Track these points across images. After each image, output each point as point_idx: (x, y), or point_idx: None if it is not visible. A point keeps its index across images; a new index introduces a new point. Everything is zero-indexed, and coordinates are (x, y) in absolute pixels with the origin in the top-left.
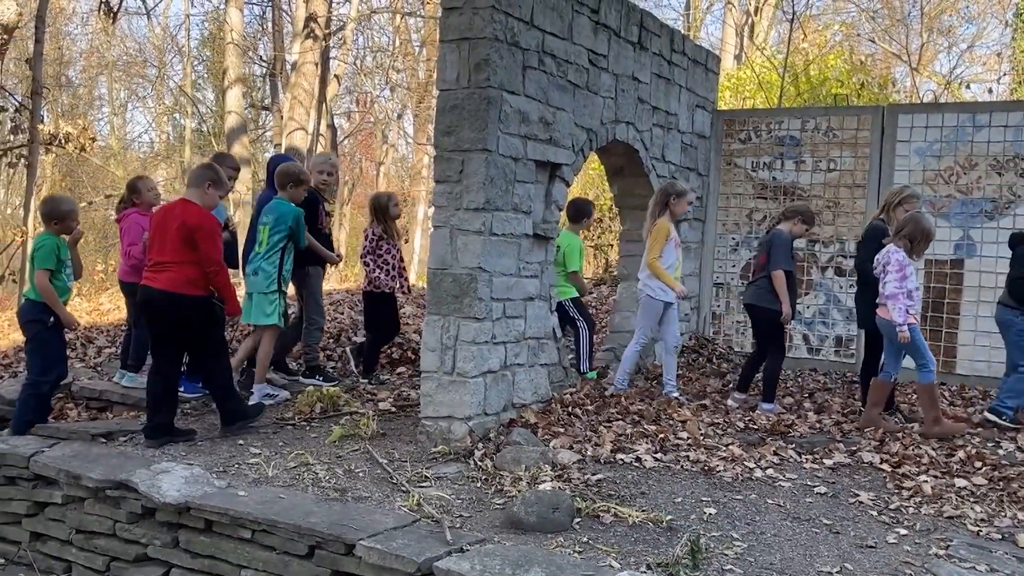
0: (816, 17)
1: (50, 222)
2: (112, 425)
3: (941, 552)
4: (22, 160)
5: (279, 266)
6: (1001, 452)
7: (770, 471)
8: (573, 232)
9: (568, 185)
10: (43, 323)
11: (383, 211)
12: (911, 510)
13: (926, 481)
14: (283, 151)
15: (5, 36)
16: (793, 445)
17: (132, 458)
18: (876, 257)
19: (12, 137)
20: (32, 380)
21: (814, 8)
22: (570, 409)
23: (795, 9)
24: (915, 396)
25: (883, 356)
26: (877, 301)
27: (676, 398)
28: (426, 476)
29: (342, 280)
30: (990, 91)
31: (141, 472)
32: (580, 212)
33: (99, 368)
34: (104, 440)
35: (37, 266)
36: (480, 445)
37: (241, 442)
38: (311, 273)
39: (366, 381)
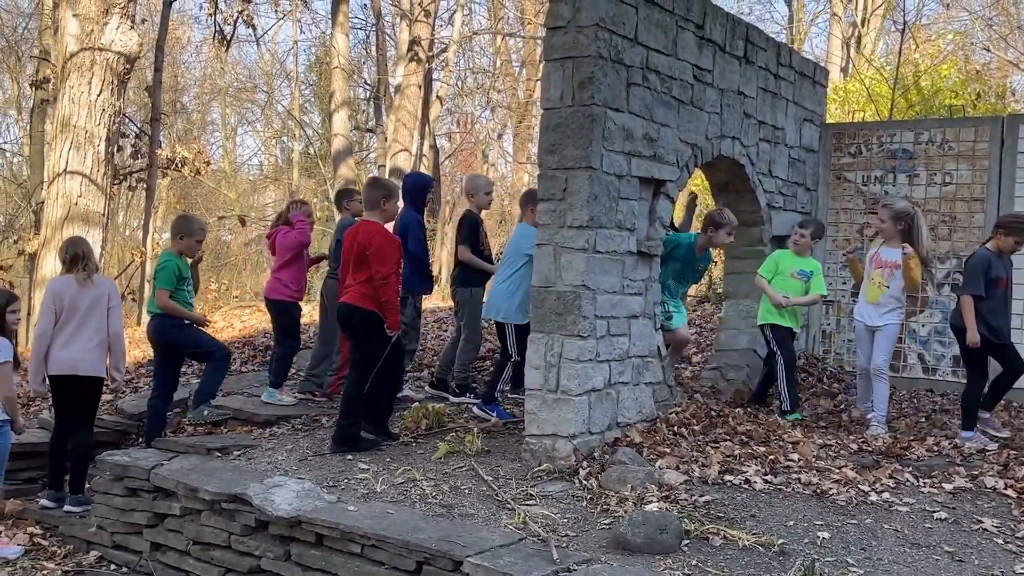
0: (927, 27)
1: (177, 237)
2: (227, 440)
3: None
4: (141, 183)
5: None
6: None
7: (886, 495)
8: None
9: (673, 202)
10: (179, 326)
11: None
12: None
13: None
14: (387, 173)
15: (128, 66)
16: (910, 468)
17: (246, 472)
18: None
19: (132, 161)
20: (159, 394)
21: (924, 17)
22: (676, 429)
23: (905, 19)
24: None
25: None
26: None
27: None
28: (531, 494)
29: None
30: None
31: (255, 486)
32: (820, 229)
33: None
34: (219, 454)
35: (158, 286)
36: (584, 464)
37: (350, 457)
38: (473, 293)
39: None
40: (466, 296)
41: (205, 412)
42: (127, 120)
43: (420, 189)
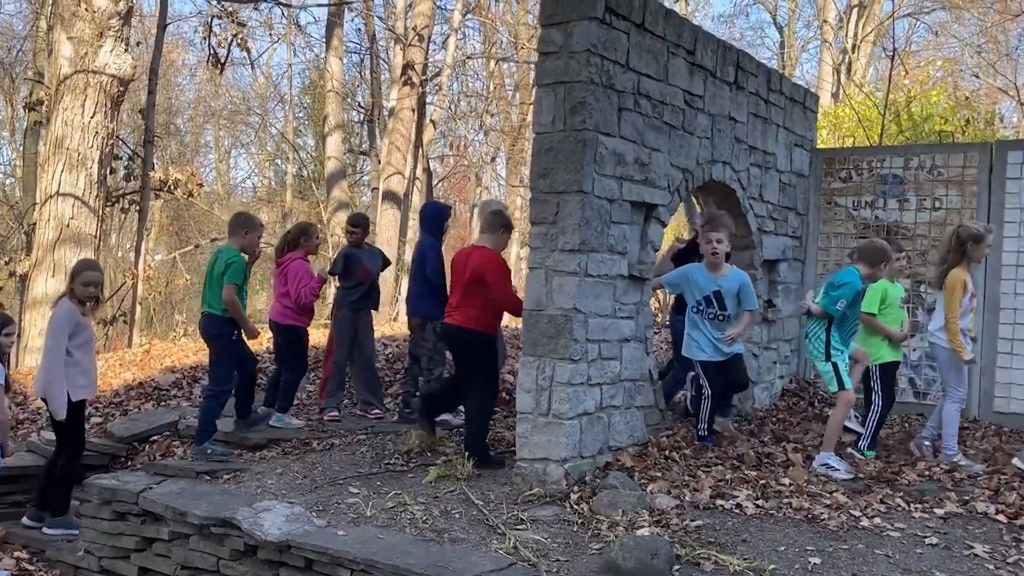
0: (916, 53)
1: (241, 232)
2: (216, 463)
3: None
4: (134, 205)
5: None
6: None
7: (877, 520)
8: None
9: (664, 225)
10: (229, 336)
11: None
12: None
13: None
14: (380, 195)
15: (121, 88)
16: (901, 493)
17: (235, 496)
18: None
19: (125, 184)
20: (216, 391)
21: (914, 44)
22: (667, 453)
23: (895, 46)
24: None
25: None
26: None
27: (955, 462)
28: (522, 519)
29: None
30: None
31: (244, 510)
32: (881, 255)
33: None
34: (208, 478)
35: (227, 280)
36: (576, 488)
37: (340, 481)
38: None
39: None
40: None
41: (208, 451)
42: (120, 142)
43: (438, 217)
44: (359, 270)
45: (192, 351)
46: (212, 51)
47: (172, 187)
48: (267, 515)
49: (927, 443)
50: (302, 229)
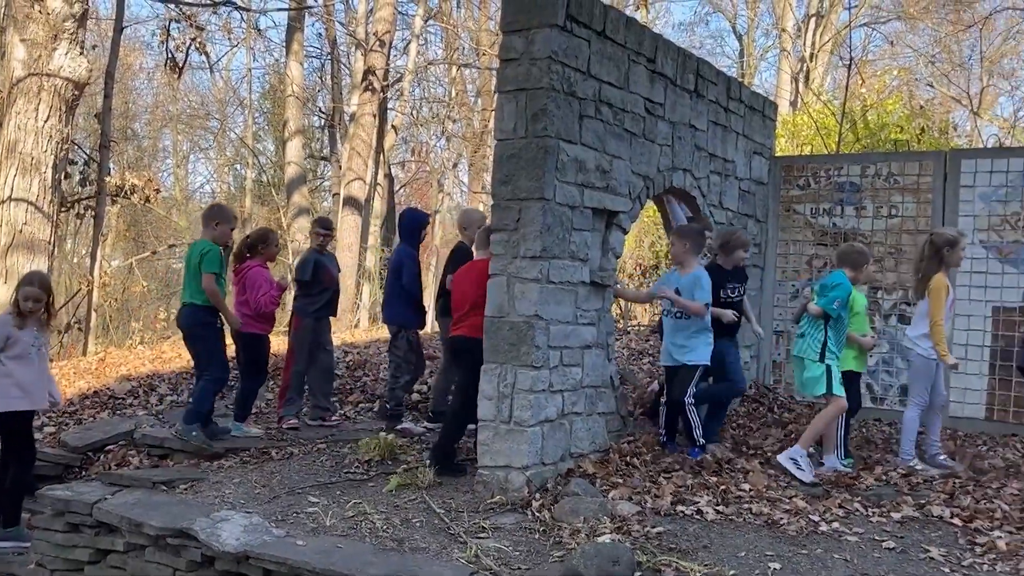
0: (872, 62)
1: (212, 224)
2: (173, 473)
3: None
4: (89, 211)
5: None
6: None
7: (836, 525)
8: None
9: (625, 232)
10: (212, 325)
11: None
12: (985, 567)
13: (1000, 537)
14: (341, 201)
15: (77, 92)
16: (859, 498)
17: (192, 506)
18: None
19: (80, 189)
20: (216, 376)
21: (870, 54)
22: (628, 459)
23: (852, 55)
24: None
25: None
26: None
27: (912, 467)
28: (483, 527)
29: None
30: None
31: (201, 521)
32: (863, 257)
33: (161, 416)
34: (165, 488)
35: (205, 270)
36: (538, 495)
37: (300, 490)
38: None
39: None
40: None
41: (193, 433)
42: (76, 146)
43: (416, 225)
44: (326, 276)
45: (148, 359)
46: (170, 55)
47: (129, 192)
48: (225, 525)
49: (942, 457)
50: (262, 235)
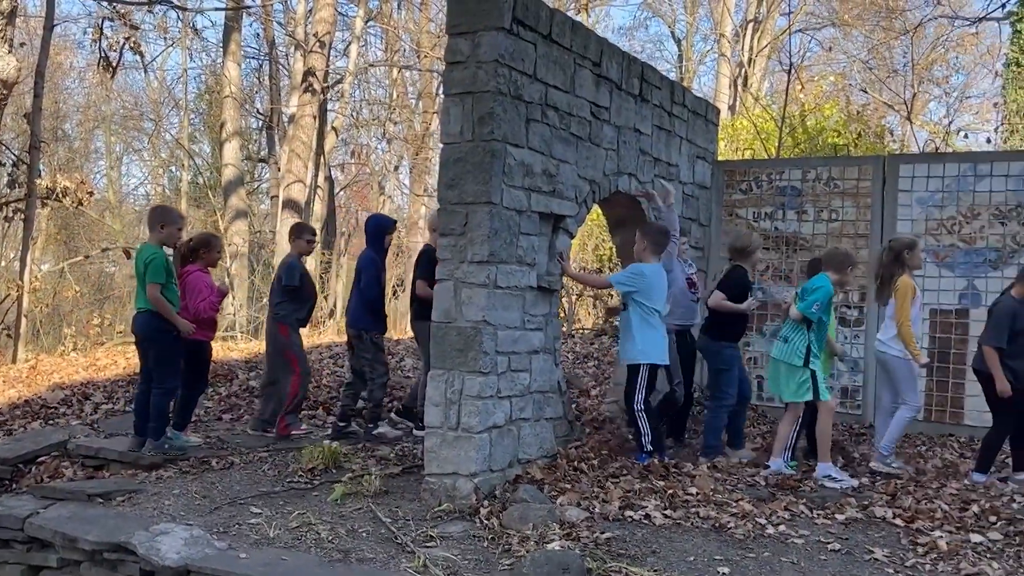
0: (809, 67)
1: (158, 227)
2: (109, 485)
3: None
4: (19, 214)
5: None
6: (1015, 506)
7: (782, 527)
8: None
9: (572, 237)
10: (168, 332)
11: None
12: (927, 567)
13: (941, 537)
14: (280, 204)
15: (4, 91)
16: (804, 500)
17: (130, 519)
18: None
19: (9, 191)
20: (165, 388)
21: (807, 59)
22: (576, 464)
23: (792, 60)
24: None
25: None
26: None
27: (888, 463)
28: (431, 535)
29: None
30: (988, 140)
31: (140, 534)
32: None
33: (96, 425)
34: (101, 500)
35: (149, 280)
36: (486, 502)
37: (242, 501)
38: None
39: None
40: (424, 330)
41: (166, 446)
42: (4, 148)
43: (380, 231)
44: (309, 284)
45: (82, 366)
46: (103, 54)
47: (60, 195)
48: (164, 539)
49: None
50: (205, 240)
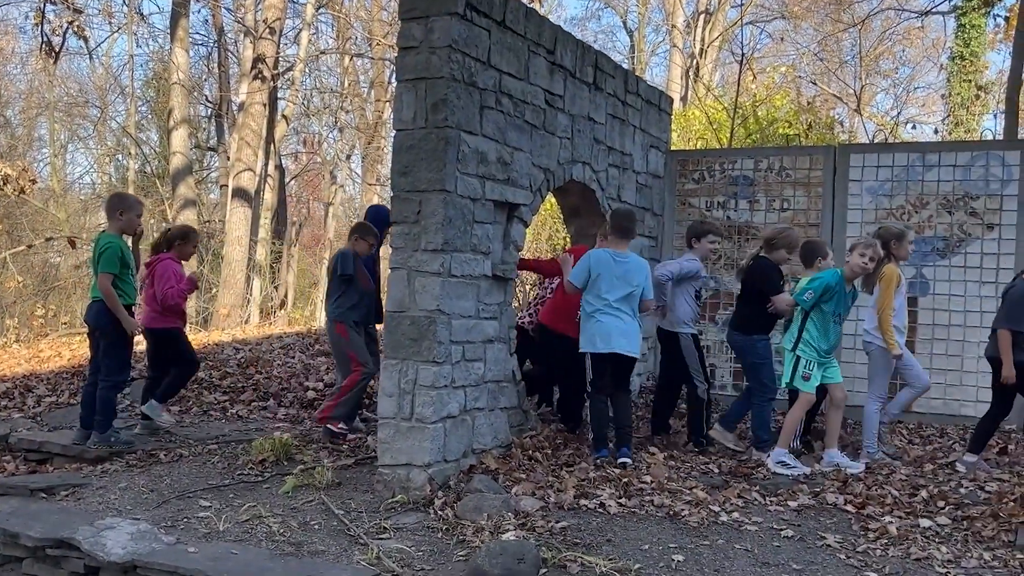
0: (760, 59)
1: (116, 214)
2: (53, 479)
3: None
4: None
5: None
6: (963, 491)
7: (736, 515)
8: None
9: (526, 225)
10: (119, 323)
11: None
12: (878, 552)
13: (891, 522)
14: (230, 192)
15: None
16: (757, 487)
17: (74, 514)
18: None
19: None
20: (113, 381)
21: (757, 51)
22: (531, 453)
23: (744, 51)
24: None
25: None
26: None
27: (878, 460)
28: (385, 527)
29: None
30: (936, 132)
31: (84, 529)
32: (821, 249)
33: (39, 418)
34: (44, 495)
35: (101, 269)
36: (440, 493)
37: (190, 494)
38: None
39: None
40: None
41: (112, 440)
42: None
43: (377, 223)
44: (363, 279)
45: (24, 359)
46: (45, 39)
47: (2, 183)
48: (110, 533)
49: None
50: (183, 232)
